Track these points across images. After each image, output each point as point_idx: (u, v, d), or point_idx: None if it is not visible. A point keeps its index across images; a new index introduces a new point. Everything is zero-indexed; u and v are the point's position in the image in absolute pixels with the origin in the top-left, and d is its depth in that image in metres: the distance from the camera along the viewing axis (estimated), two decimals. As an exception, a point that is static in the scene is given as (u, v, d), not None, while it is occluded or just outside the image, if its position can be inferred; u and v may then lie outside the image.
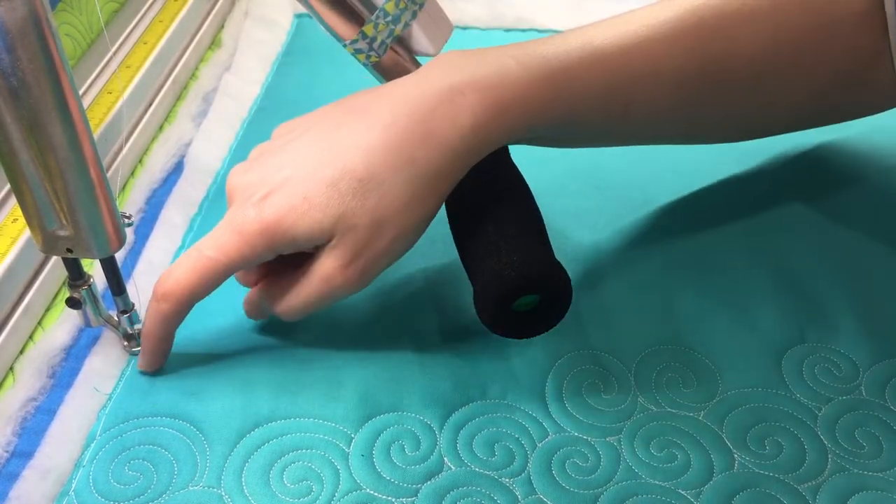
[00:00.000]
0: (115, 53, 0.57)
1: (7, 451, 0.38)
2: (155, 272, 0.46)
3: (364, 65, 0.43)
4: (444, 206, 0.41)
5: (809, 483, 0.37)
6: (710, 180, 0.52)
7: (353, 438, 0.38)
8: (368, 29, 0.41)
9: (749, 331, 0.43)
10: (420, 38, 0.43)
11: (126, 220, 0.38)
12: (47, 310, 0.45)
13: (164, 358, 0.40)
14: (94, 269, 0.45)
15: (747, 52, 0.42)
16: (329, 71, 0.61)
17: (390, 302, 0.44)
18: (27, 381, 0.40)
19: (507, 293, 0.37)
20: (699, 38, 0.41)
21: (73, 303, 0.39)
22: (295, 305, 0.39)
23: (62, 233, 0.36)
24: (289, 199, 0.37)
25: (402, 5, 0.42)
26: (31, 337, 0.43)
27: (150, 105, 0.56)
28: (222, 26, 0.67)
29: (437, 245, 0.46)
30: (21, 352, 0.42)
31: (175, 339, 0.41)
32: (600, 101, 0.40)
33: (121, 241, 0.37)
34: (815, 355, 0.41)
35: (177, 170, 0.53)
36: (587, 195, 0.51)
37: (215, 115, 0.57)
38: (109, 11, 0.60)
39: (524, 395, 0.40)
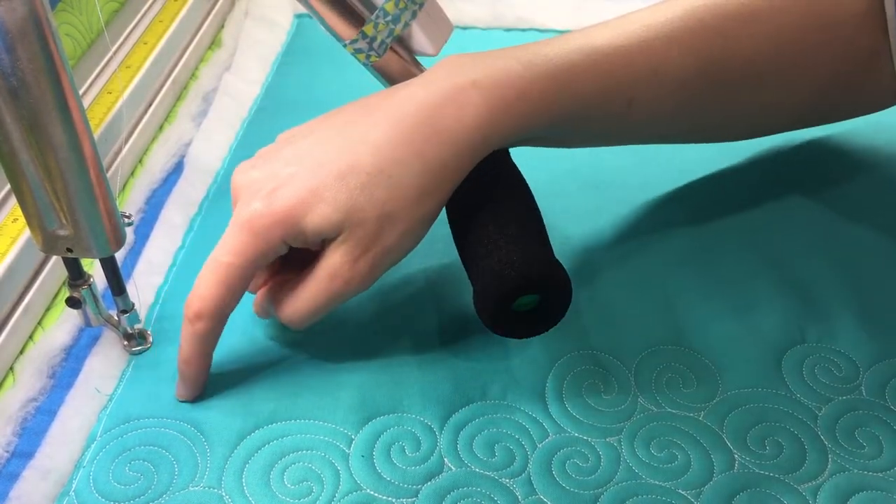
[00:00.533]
0: (115, 53, 0.57)
1: (7, 452, 0.38)
2: (155, 272, 0.46)
3: (364, 65, 0.43)
4: (444, 205, 0.41)
5: (810, 483, 0.37)
6: (710, 180, 0.52)
7: (353, 439, 0.38)
8: (368, 29, 0.41)
9: (749, 331, 0.43)
10: (420, 38, 0.43)
11: (126, 220, 0.38)
12: (47, 310, 0.45)
13: (203, 384, 0.39)
14: (94, 269, 0.45)
15: (747, 52, 0.42)
16: (329, 71, 0.61)
17: (390, 302, 0.44)
18: (27, 381, 0.40)
19: (507, 293, 0.37)
20: (699, 38, 0.41)
21: (73, 303, 0.39)
22: (301, 307, 0.39)
23: (62, 233, 0.36)
24: (297, 192, 0.37)
25: (402, 5, 0.42)
26: (31, 337, 0.43)
27: (150, 105, 0.56)
28: (222, 26, 0.67)
29: (437, 245, 0.46)
30: (21, 352, 0.42)
31: (175, 341, 0.41)
32: (602, 101, 0.40)
33: (121, 241, 0.37)
34: (816, 355, 0.41)
35: (177, 170, 0.53)
36: (587, 195, 0.51)
37: (215, 115, 0.57)
38: (109, 11, 0.60)
39: (524, 395, 0.40)
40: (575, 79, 0.39)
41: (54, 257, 0.44)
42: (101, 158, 0.35)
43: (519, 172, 0.42)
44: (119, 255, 0.44)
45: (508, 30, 0.66)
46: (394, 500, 0.36)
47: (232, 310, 0.38)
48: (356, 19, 0.42)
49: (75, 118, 0.33)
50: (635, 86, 0.40)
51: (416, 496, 0.36)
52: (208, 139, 0.55)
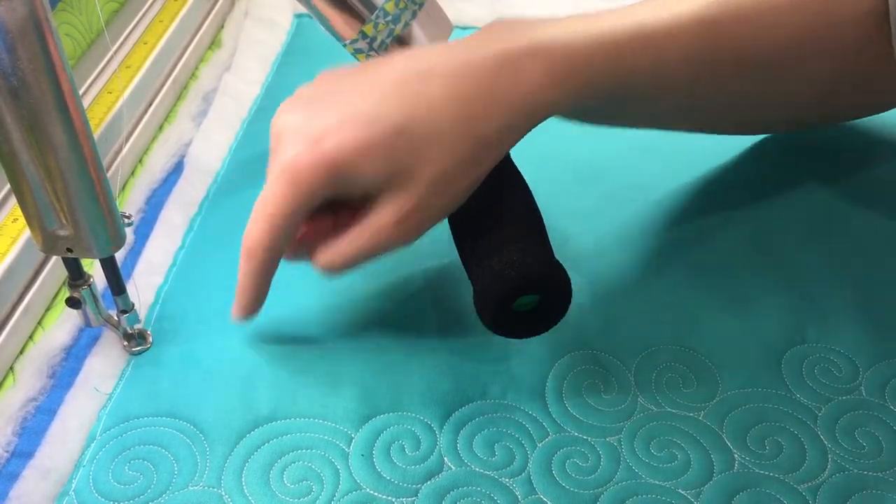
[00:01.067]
0: (115, 53, 0.57)
1: (7, 451, 0.38)
2: (155, 272, 0.46)
3: (364, 65, 0.43)
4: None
5: (809, 483, 0.37)
6: (710, 180, 0.52)
7: (353, 438, 0.38)
8: (368, 28, 0.41)
9: (749, 331, 0.43)
10: (420, 37, 0.43)
11: (126, 220, 0.38)
12: (47, 310, 0.45)
13: (257, 309, 0.40)
14: (94, 269, 0.45)
15: (773, 40, 0.42)
16: (329, 71, 0.61)
17: (390, 301, 0.44)
18: (27, 381, 0.40)
19: (507, 293, 0.37)
20: (728, 24, 0.41)
21: (73, 303, 0.40)
22: (340, 259, 0.38)
23: (62, 233, 0.36)
24: (348, 143, 0.36)
25: (402, 5, 0.42)
26: (31, 337, 0.43)
27: (150, 105, 0.56)
28: (222, 26, 0.67)
29: (437, 245, 0.46)
30: (21, 352, 0.42)
31: (175, 341, 0.41)
32: (650, 78, 0.40)
33: (121, 241, 0.37)
34: (816, 355, 0.41)
35: (177, 170, 0.53)
36: (587, 195, 0.51)
37: (215, 115, 0.57)
38: (109, 11, 0.60)
39: (524, 394, 0.40)
40: (626, 53, 0.39)
41: (54, 257, 0.44)
42: (101, 158, 0.35)
43: (519, 172, 0.42)
44: (119, 255, 0.44)
45: (508, 30, 0.66)
46: (394, 500, 0.36)
47: (279, 254, 0.38)
48: (356, 19, 0.42)
49: (75, 118, 0.33)
50: (678, 68, 0.40)
51: (416, 495, 0.36)
52: (208, 139, 0.55)
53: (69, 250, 0.36)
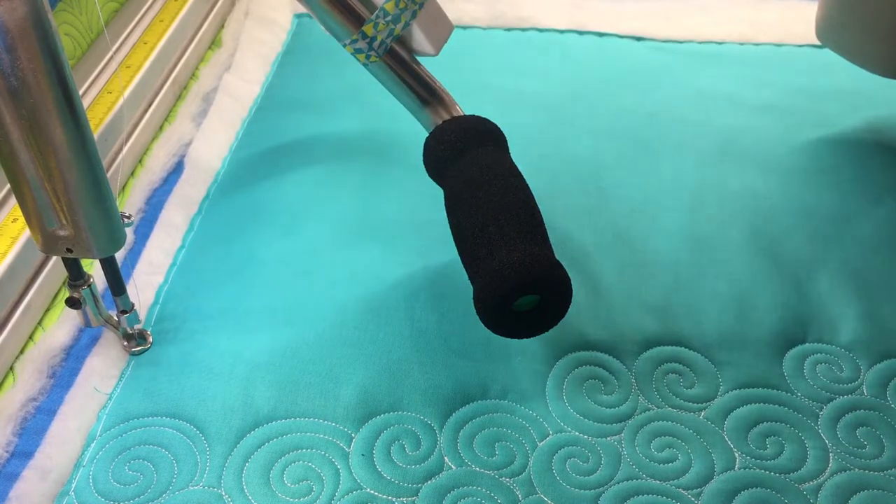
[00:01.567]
0: (115, 53, 0.57)
1: (7, 451, 0.38)
2: (155, 272, 0.46)
3: (364, 65, 0.43)
4: (444, 206, 0.41)
5: (811, 482, 0.36)
6: (710, 180, 0.52)
7: (353, 438, 0.38)
8: (368, 29, 0.41)
9: (751, 330, 0.42)
10: (420, 38, 0.43)
11: (126, 220, 0.38)
12: (47, 310, 0.45)
13: None
14: (94, 269, 0.45)
15: None
16: (329, 71, 0.61)
17: (390, 302, 0.44)
18: (27, 381, 0.40)
19: (507, 293, 0.37)
20: None
21: (73, 303, 0.39)
22: None
23: (62, 233, 0.36)
24: None
25: (402, 5, 0.42)
26: (31, 337, 0.43)
27: (150, 105, 0.56)
28: (222, 26, 0.67)
29: (438, 245, 0.46)
30: (21, 352, 0.42)
31: (175, 341, 0.41)
32: None
33: (121, 242, 0.37)
34: (817, 355, 0.41)
35: (177, 170, 0.53)
36: (587, 195, 0.51)
37: (215, 114, 0.57)
38: (109, 11, 0.60)
39: (525, 394, 0.40)
40: None
41: (54, 257, 0.44)
42: (101, 158, 0.35)
43: (519, 172, 0.42)
44: (119, 255, 0.44)
45: (509, 29, 0.66)
46: (394, 499, 0.36)
47: None
48: (356, 19, 0.41)
49: (75, 118, 0.33)
50: None
51: (417, 495, 0.36)
52: (208, 139, 0.55)
53: (69, 250, 0.36)
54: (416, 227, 0.48)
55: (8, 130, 0.32)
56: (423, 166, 0.43)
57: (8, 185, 0.44)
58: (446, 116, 0.43)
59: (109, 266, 0.39)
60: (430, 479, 0.37)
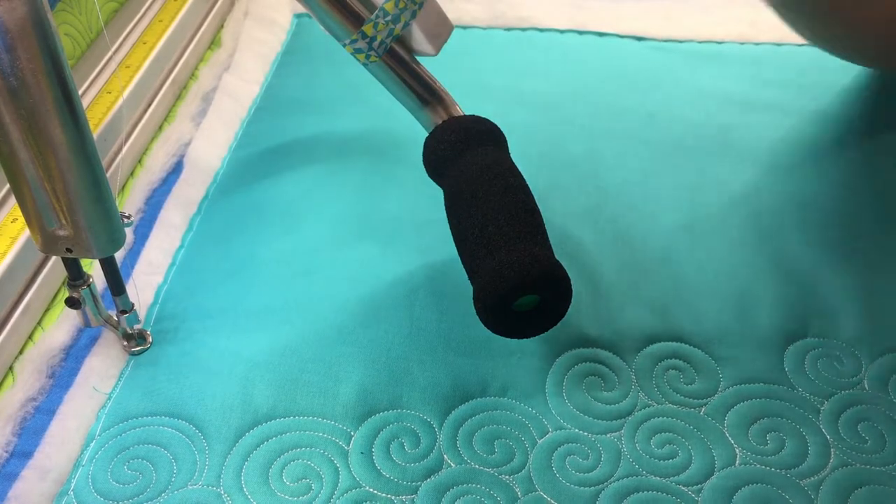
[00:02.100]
0: (114, 53, 0.57)
1: (7, 451, 0.38)
2: (154, 272, 0.46)
3: (364, 65, 0.43)
4: (444, 205, 0.41)
5: (812, 478, 0.36)
6: (710, 178, 0.52)
7: (352, 436, 0.38)
8: (368, 29, 0.41)
9: (751, 325, 0.42)
10: (420, 38, 0.43)
11: (126, 220, 0.38)
12: (47, 310, 0.45)
13: None
14: (93, 270, 0.45)
15: None
16: (329, 71, 0.61)
17: (390, 300, 0.44)
18: (27, 381, 0.40)
19: (507, 293, 0.37)
20: None
21: (72, 303, 0.39)
22: None
23: (62, 233, 0.36)
24: None
25: (401, 5, 0.42)
26: (30, 337, 0.43)
27: (150, 105, 0.56)
28: (222, 26, 0.67)
29: (438, 244, 0.46)
30: (21, 352, 0.42)
31: (175, 341, 0.41)
32: None
33: (120, 242, 0.37)
34: (818, 350, 0.41)
35: (176, 170, 0.53)
36: (587, 194, 0.51)
37: (215, 114, 0.57)
38: (109, 11, 0.60)
39: (524, 391, 0.40)
40: None
41: (54, 258, 0.44)
42: (100, 158, 0.35)
43: (518, 172, 0.42)
44: (119, 255, 0.44)
45: (509, 29, 0.66)
46: (393, 497, 0.36)
47: None
48: (356, 19, 0.41)
49: (75, 118, 0.33)
50: None
51: (416, 493, 0.36)
52: (208, 139, 0.55)
53: (69, 250, 0.36)
54: (416, 227, 0.48)
55: (7, 130, 0.32)
56: (422, 166, 0.43)
57: (7, 185, 0.44)
58: (446, 116, 0.43)
59: (109, 266, 0.39)
60: (430, 476, 0.37)
